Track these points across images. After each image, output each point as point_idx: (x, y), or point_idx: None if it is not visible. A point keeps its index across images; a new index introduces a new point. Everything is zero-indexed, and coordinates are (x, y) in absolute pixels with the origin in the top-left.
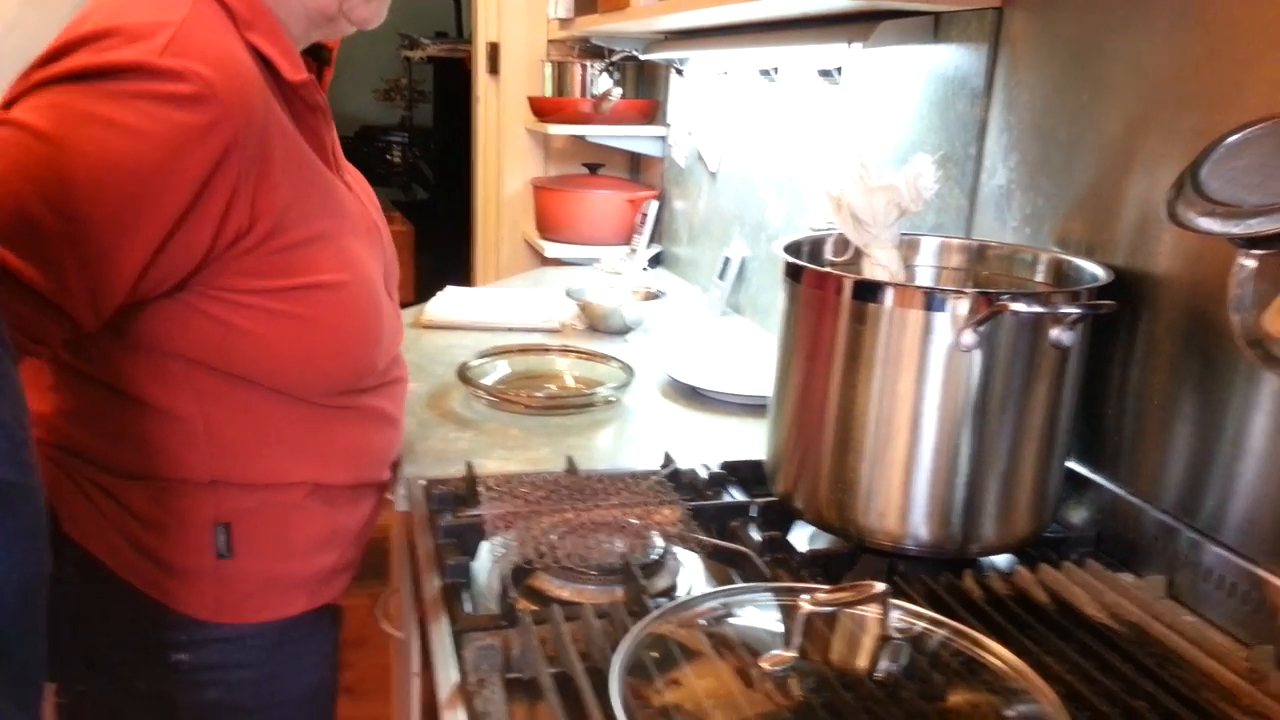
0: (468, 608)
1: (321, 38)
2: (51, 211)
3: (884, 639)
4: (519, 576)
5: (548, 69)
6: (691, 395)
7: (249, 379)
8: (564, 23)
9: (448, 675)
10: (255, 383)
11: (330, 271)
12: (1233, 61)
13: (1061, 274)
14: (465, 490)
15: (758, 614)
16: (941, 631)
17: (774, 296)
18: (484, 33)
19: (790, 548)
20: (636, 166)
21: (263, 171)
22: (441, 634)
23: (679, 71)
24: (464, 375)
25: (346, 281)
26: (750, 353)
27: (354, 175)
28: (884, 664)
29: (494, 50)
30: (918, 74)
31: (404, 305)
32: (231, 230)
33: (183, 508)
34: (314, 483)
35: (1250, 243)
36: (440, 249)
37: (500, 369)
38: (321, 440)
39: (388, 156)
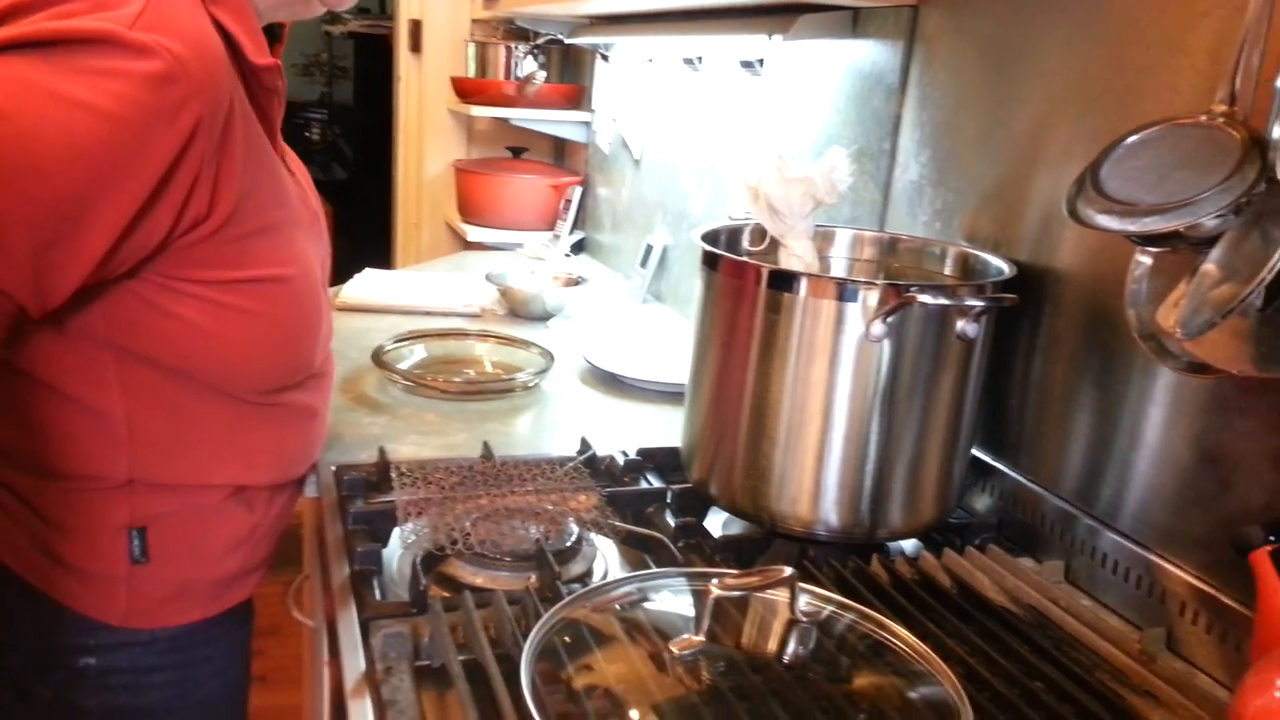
0: (378, 595)
1: (287, 17)
2: (10, 194)
3: (792, 623)
4: (431, 563)
5: (471, 49)
6: (611, 382)
7: (184, 372)
8: (488, 2)
9: (355, 664)
10: (189, 377)
11: (278, 265)
12: (1134, 66)
13: (968, 268)
14: (377, 476)
15: (671, 599)
16: (848, 615)
17: (695, 285)
18: (406, 9)
19: (705, 533)
20: (561, 152)
21: (225, 156)
22: (349, 622)
23: (604, 57)
24: (379, 359)
25: (292, 276)
26: (670, 340)
27: (294, 160)
28: (792, 647)
29: (416, 28)
30: (836, 68)
31: None
32: (190, 216)
33: (96, 510)
34: (236, 484)
35: (1146, 240)
36: (360, 231)
37: (417, 353)
38: (247, 440)
39: (306, 134)
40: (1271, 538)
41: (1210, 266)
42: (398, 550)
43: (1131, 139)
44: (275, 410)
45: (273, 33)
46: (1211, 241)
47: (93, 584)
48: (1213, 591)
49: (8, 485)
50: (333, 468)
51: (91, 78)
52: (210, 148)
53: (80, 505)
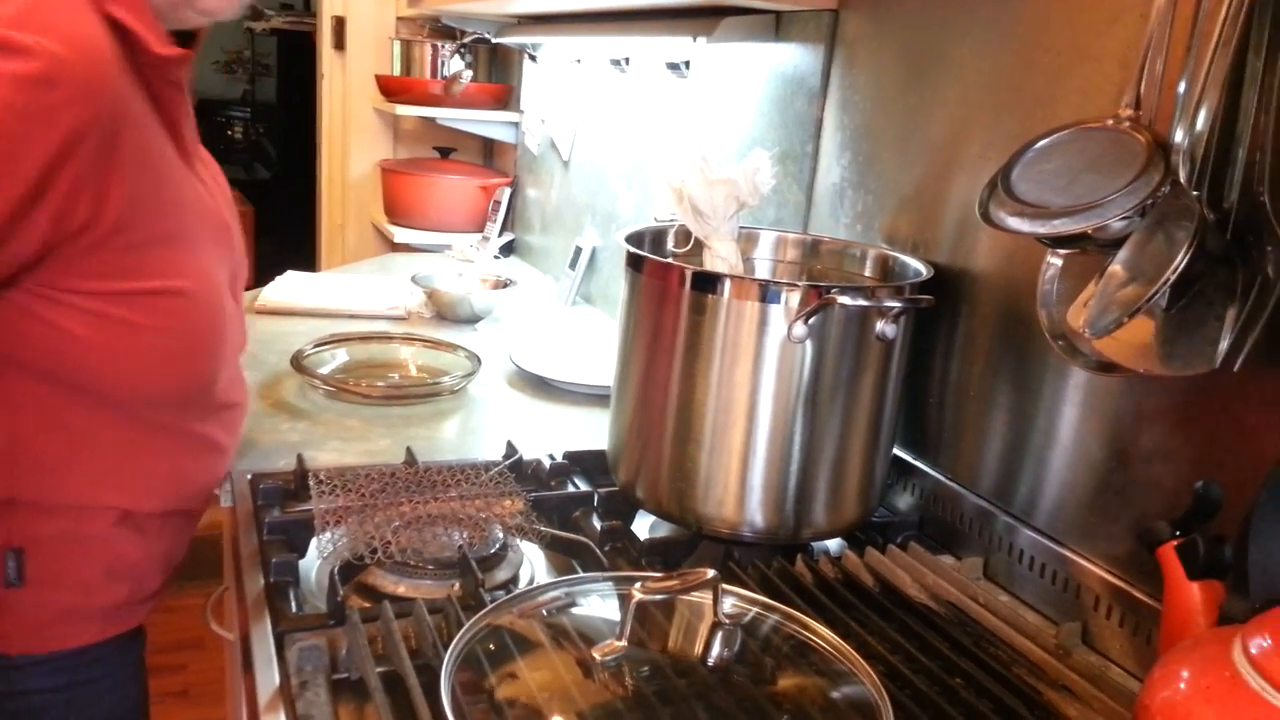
0: (294, 608)
1: (174, 24)
2: None
3: (716, 625)
4: (350, 573)
5: (396, 47)
6: (539, 385)
7: (73, 385)
8: (413, 0)
9: (269, 678)
10: (78, 392)
11: (174, 277)
12: (1046, 71)
13: (888, 269)
14: (295, 484)
15: (597, 604)
16: (772, 616)
17: (622, 287)
18: (330, 6)
19: (632, 537)
20: (490, 152)
21: (113, 162)
22: (264, 635)
23: (532, 57)
24: (298, 363)
25: (189, 289)
26: (599, 342)
27: (207, 164)
28: (716, 650)
29: (340, 25)
30: (760, 71)
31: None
32: (72, 223)
33: None
34: (123, 509)
35: (1056, 242)
36: (283, 232)
37: (339, 357)
38: (138, 464)
39: (229, 132)
40: (1178, 533)
41: (1117, 268)
42: (316, 561)
43: (1041, 142)
44: (174, 437)
45: (187, 42)
46: (1119, 243)
47: None
48: (1125, 586)
49: None
50: (248, 476)
51: None
52: (94, 153)
53: None
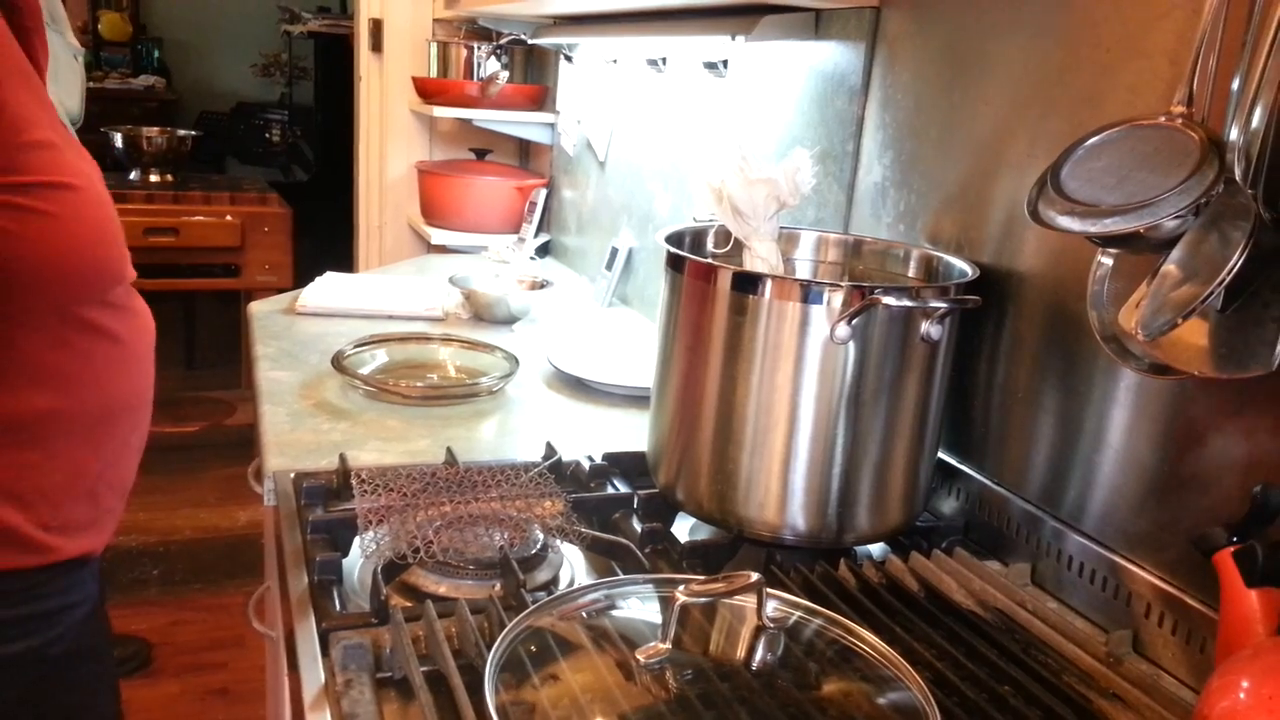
0: (338, 606)
1: None
2: None
3: (759, 629)
4: (392, 572)
5: (433, 49)
6: (576, 386)
7: (4, 285)
8: (450, 2)
9: (314, 676)
10: (5, 296)
11: (65, 174)
12: (1094, 68)
13: (932, 269)
14: (338, 483)
15: (638, 606)
16: (816, 620)
17: (660, 288)
18: (367, 8)
19: (672, 539)
20: (525, 153)
21: (4, 65)
22: (308, 633)
23: (568, 58)
24: (339, 364)
25: (81, 185)
26: (636, 344)
27: None
28: (759, 654)
29: (377, 27)
30: (799, 70)
31: (280, 291)
32: None
33: None
34: (58, 413)
35: (1107, 241)
36: (321, 233)
37: (379, 358)
38: (61, 366)
39: (266, 135)
40: (1234, 538)
41: (1171, 268)
42: (358, 559)
43: (1092, 140)
44: (85, 335)
45: None
46: (1171, 243)
47: None
48: (1177, 593)
49: None
50: (291, 475)
51: None
52: None
53: None
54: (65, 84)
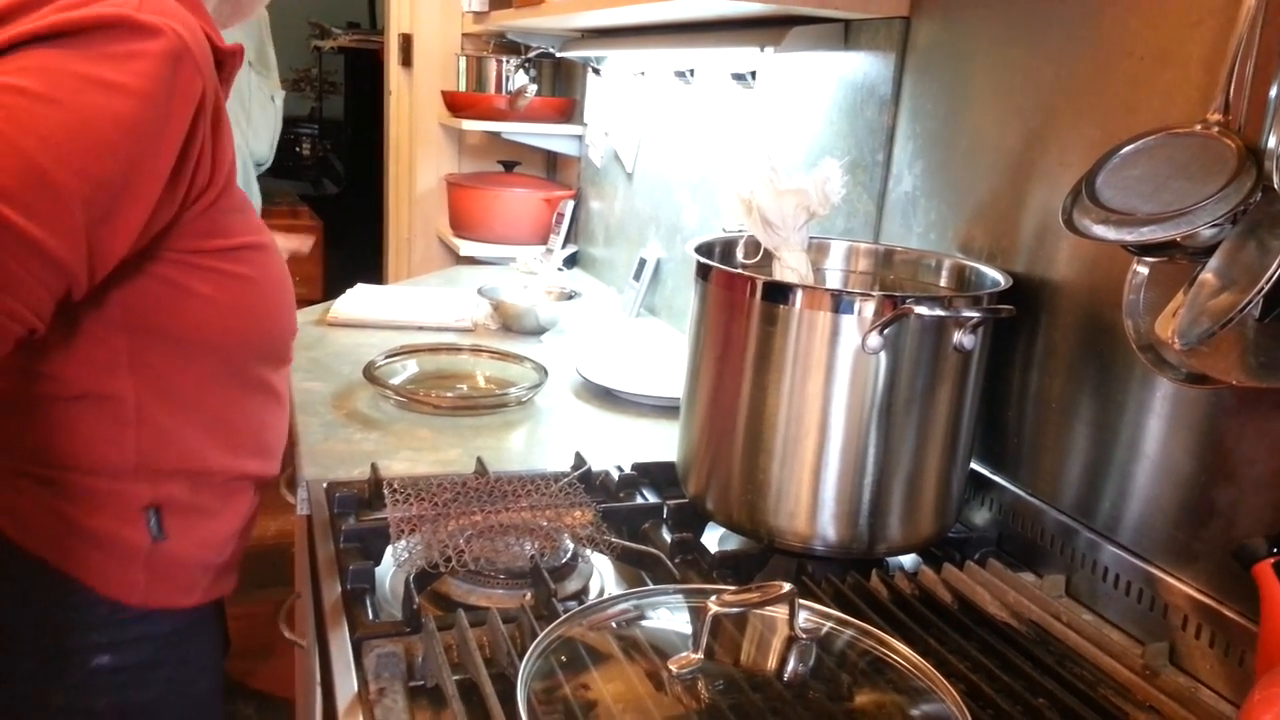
0: (370, 615)
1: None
2: (69, 174)
3: (791, 639)
4: (424, 581)
5: (462, 63)
6: (605, 396)
7: (200, 346)
8: (478, 16)
9: (347, 684)
10: (196, 355)
11: (256, 232)
12: (1127, 76)
13: (964, 279)
14: (369, 493)
15: (669, 616)
16: (848, 631)
17: (689, 298)
18: (396, 23)
19: (702, 549)
20: (553, 165)
21: (218, 127)
22: (341, 642)
23: (596, 71)
24: (370, 374)
25: (267, 242)
26: (664, 354)
27: None
28: (791, 665)
29: (407, 42)
30: (828, 80)
31: (311, 303)
32: (199, 185)
33: (116, 492)
34: (227, 470)
35: (1143, 250)
36: (351, 246)
37: (409, 368)
38: (235, 423)
39: (297, 149)
40: (1275, 550)
41: (1208, 276)
42: (390, 568)
43: (1127, 148)
44: (257, 394)
45: None
46: (1209, 251)
47: (116, 557)
48: (1215, 605)
49: (28, 474)
50: (324, 484)
51: (116, 61)
52: (209, 118)
53: (100, 488)
54: (258, 127)
